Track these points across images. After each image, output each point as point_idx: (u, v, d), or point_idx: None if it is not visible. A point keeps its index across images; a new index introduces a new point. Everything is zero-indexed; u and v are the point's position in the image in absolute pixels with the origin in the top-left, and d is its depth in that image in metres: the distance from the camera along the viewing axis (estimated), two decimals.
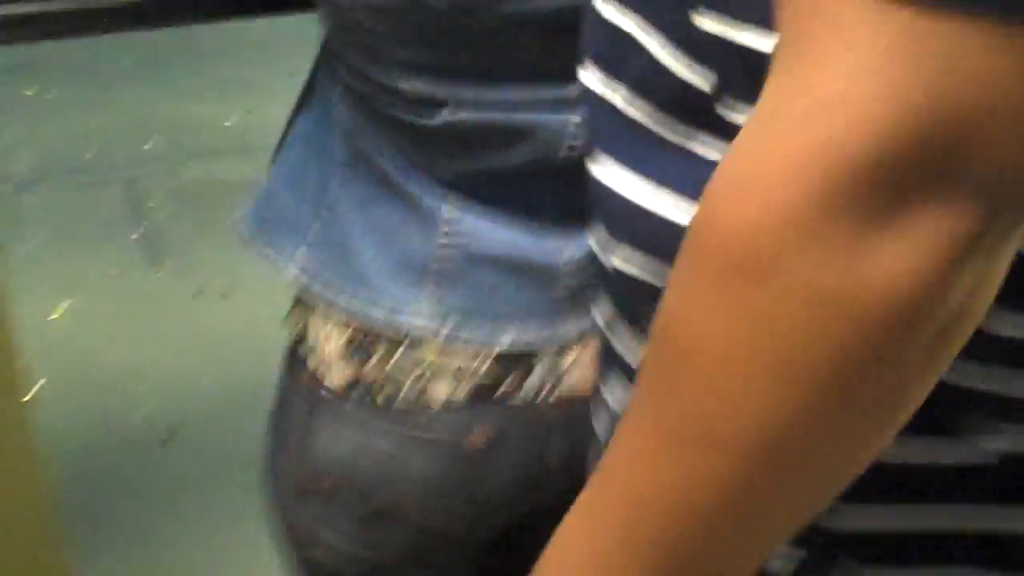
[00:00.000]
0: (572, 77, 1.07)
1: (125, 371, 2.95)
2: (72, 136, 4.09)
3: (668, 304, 0.63)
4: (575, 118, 1.08)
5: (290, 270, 1.16)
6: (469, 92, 1.07)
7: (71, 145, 4.04)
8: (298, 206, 1.16)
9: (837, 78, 0.57)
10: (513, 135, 1.08)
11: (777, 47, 0.60)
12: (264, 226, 1.19)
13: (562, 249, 1.12)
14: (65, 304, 3.20)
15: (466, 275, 1.11)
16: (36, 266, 3.34)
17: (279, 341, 1.22)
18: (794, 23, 0.59)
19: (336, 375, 1.14)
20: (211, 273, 3.28)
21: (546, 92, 1.07)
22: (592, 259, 0.81)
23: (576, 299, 1.13)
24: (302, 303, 1.17)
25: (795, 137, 0.57)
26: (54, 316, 3.16)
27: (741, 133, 0.61)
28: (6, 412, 1.72)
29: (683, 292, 0.62)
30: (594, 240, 0.80)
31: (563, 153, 1.09)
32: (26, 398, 1.81)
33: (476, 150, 1.09)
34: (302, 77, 1.21)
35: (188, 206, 3.65)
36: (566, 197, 1.11)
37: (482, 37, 1.05)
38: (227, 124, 4.12)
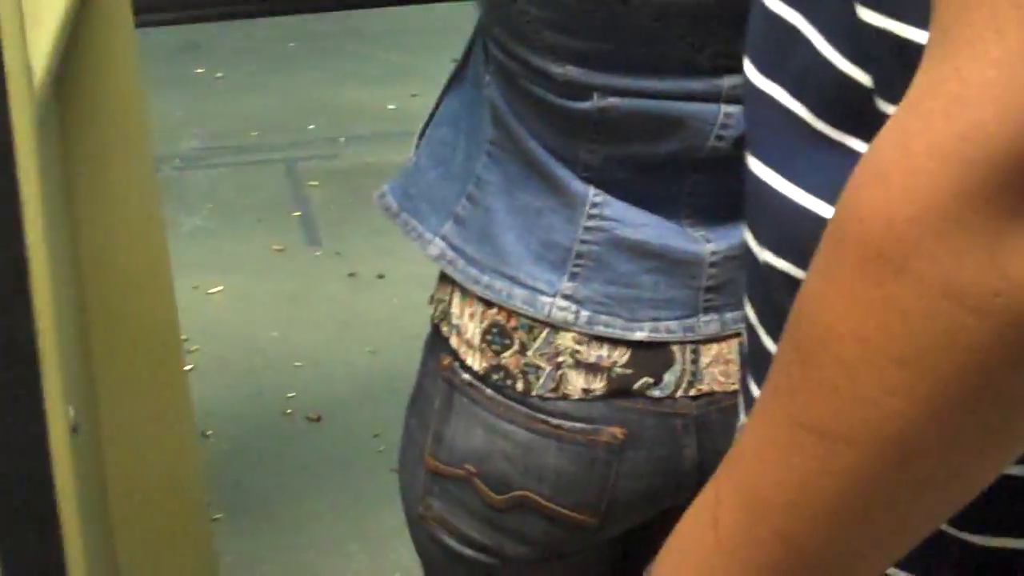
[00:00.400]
0: (723, 68, 1.06)
1: (279, 349, 3.00)
2: (237, 116, 4.17)
3: (806, 290, 0.62)
4: (726, 109, 1.07)
5: (434, 246, 1.16)
6: (620, 80, 1.06)
7: (236, 124, 4.12)
8: (444, 183, 1.17)
9: (987, 66, 0.56)
10: (662, 124, 1.08)
11: (930, 35, 0.59)
12: (409, 201, 1.19)
13: (707, 241, 1.11)
14: (224, 280, 3.26)
15: (608, 261, 1.11)
16: (198, 242, 3.41)
17: (431, 311, 1.22)
18: (947, 9, 0.58)
19: (476, 359, 1.15)
20: (367, 255, 3.32)
21: (697, 82, 1.07)
22: (743, 253, 0.81)
23: (719, 293, 1.12)
24: (447, 280, 1.18)
25: (941, 124, 0.56)
26: (213, 292, 3.22)
27: (889, 121, 0.60)
28: (167, 384, 1.76)
29: (821, 278, 0.61)
30: (749, 234, 0.79)
31: (712, 144, 1.08)
32: (185, 370, 1.85)
33: (625, 137, 1.09)
34: None
35: (348, 188, 3.70)
36: (713, 188, 1.10)
37: (635, 26, 1.04)
38: (390, 108, 4.16)
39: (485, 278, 1.13)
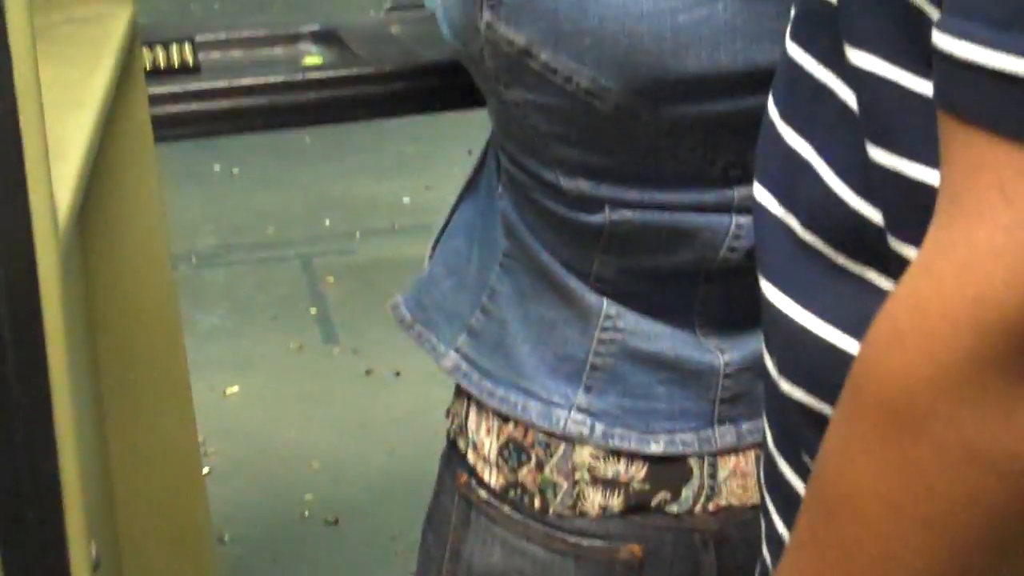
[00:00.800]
0: (735, 180, 1.06)
1: (296, 450, 3.00)
2: (254, 212, 4.19)
3: (826, 449, 0.63)
4: (738, 220, 1.07)
5: (448, 359, 1.16)
6: (631, 193, 1.07)
7: (252, 221, 4.14)
8: (458, 294, 1.17)
9: (995, 231, 0.57)
10: (674, 236, 1.08)
11: (940, 197, 0.60)
12: (423, 312, 1.20)
13: (721, 352, 1.11)
14: (241, 380, 3.26)
15: (622, 373, 1.11)
16: (215, 341, 3.42)
17: (447, 425, 1.22)
18: (957, 174, 0.59)
19: (493, 476, 1.14)
20: (384, 352, 3.32)
21: (708, 194, 1.07)
22: (758, 364, 0.81)
23: (734, 404, 1.12)
24: (463, 393, 1.18)
25: (953, 290, 0.58)
26: (230, 392, 3.22)
27: (902, 281, 0.61)
28: (186, 493, 1.76)
29: (841, 438, 0.62)
30: (767, 358, 0.79)
31: (724, 255, 1.09)
32: (203, 473, 1.85)
33: (637, 250, 1.09)
34: None
35: (364, 283, 3.71)
36: (727, 298, 1.10)
37: (646, 139, 1.05)
38: (405, 201, 4.18)
39: (500, 391, 1.14)
